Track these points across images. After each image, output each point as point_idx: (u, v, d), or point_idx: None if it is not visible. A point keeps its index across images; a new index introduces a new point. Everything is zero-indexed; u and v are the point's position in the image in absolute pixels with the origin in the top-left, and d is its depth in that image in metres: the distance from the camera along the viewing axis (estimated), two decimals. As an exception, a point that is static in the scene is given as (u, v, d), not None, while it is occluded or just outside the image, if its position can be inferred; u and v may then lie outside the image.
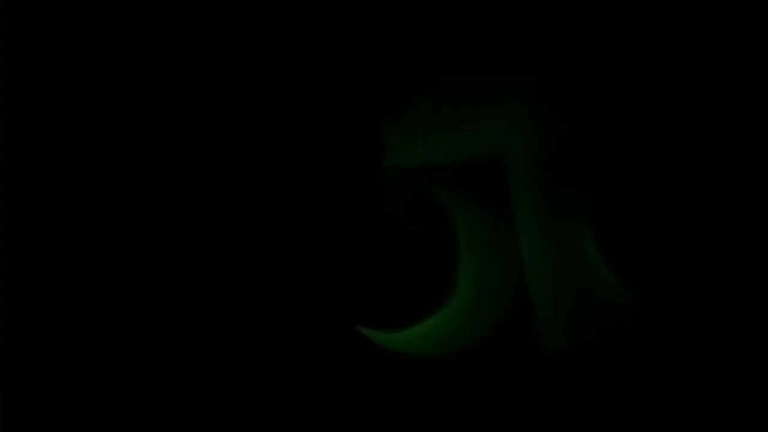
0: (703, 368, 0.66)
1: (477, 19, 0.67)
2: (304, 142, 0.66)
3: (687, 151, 0.67)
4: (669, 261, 0.68)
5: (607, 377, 0.67)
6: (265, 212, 0.67)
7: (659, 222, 0.68)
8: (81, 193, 0.67)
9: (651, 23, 0.67)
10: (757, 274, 0.66)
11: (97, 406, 0.65)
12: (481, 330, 0.69)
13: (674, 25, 0.67)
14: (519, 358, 0.67)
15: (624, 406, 0.67)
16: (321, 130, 0.66)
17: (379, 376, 0.67)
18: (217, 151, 0.67)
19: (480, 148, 0.69)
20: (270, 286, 0.67)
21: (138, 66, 0.66)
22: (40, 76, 0.66)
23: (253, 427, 0.66)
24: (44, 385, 0.65)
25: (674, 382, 0.66)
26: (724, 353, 0.66)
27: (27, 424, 0.64)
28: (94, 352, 0.66)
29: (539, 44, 0.67)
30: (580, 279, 0.69)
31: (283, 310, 0.67)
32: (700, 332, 0.67)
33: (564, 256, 0.69)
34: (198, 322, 0.67)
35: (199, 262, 0.66)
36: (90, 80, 0.67)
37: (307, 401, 0.66)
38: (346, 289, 0.67)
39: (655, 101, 0.67)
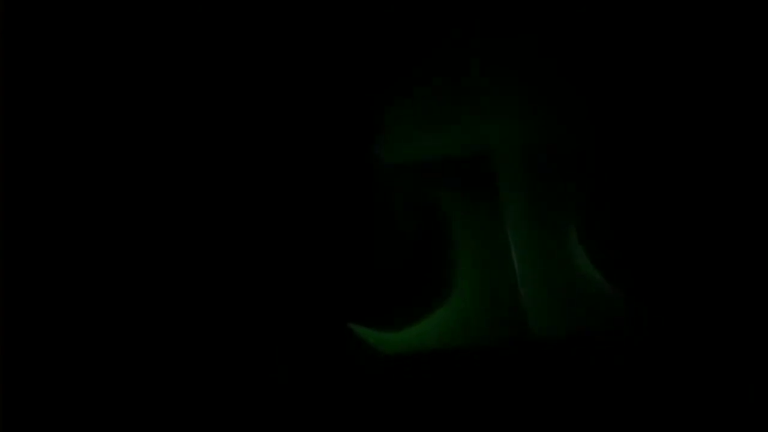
0: (685, 359, 0.68)
1: (464, 17, 0.68)
2: (300, 137, 0.67)
3: (668, 150, 0.69)
4: (650, 254, 0.69)
5: (592, 365, 0.68)
6: (262, 209, 0.67)
7: (640, 217, 0.69)
8: (81, 193, 0.66)
9: (634, 24, 0.69)
10: (736, 269, 0.68)
11: (98, 407, 0.64)
12: (471, 326, 0.70)
13: (660, 27, 0.68)
14: (510, 351, 0.68)
15: (609, 393, 0.68)
16: (316, 126, 0.67)
17: (370, 371, 0.67)
18: (216, 150, 0.67)
19: (468, 144, 0.69)
20: (266, 284, 0.67)
21: (141, 66, 0.67)
22: (39, 76, 0.67)
23: (244, 427, 0.66)
24: (44, 385, 0.64)
25: (658, 372, 0.68)
26: (704, 344, 0.68)
27: (27, 424, 0.63)
28: (94, 354, 0.65)
29: (526, 41, 0.69)
30: (568, 271, 0.70)
31: (280, 309, 0.68)
32: (680, 323, 0.69)
33: (552, 250, 0.70)
34: (194, 320, 0.66)
35: (197, 261, 0.67)
36: (90, 80, 0.67)
37: (300, 400, 0.66)
38: (346, 288, 0.68)
39: (640, 100, 0.69)
